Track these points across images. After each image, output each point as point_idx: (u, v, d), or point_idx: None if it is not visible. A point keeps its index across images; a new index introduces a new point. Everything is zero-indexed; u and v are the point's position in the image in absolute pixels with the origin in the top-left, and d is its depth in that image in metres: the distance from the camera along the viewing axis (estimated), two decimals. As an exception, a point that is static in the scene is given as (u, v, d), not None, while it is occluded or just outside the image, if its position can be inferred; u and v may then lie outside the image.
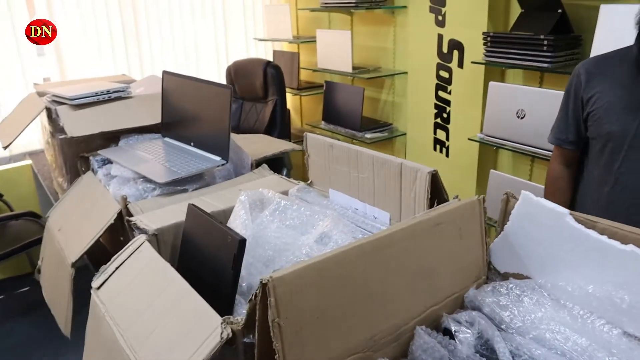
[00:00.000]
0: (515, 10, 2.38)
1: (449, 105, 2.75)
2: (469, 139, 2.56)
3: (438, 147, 2.89)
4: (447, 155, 2.85)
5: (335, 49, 3.25)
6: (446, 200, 1.09)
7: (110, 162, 1.73)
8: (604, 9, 1.92)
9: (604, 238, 0.84)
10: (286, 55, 3.73)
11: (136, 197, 1.49)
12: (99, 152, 1.77)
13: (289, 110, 3.55)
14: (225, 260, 0.98)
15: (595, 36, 1.95)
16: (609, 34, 1.89)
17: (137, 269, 1.05)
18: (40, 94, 2.08)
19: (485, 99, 2.44)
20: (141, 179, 1.55)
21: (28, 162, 3.01)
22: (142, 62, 3.48)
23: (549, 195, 1.63)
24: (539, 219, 0.93)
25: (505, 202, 0.99)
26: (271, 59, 3.63)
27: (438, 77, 2.77)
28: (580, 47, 2.18)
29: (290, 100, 3.94)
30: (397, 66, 3.25)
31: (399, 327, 0.83)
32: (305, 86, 3.71)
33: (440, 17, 2.67)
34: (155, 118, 1.88)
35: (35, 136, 3.09)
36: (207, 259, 1.06)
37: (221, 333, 0.76)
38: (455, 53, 2.63)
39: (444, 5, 2.63)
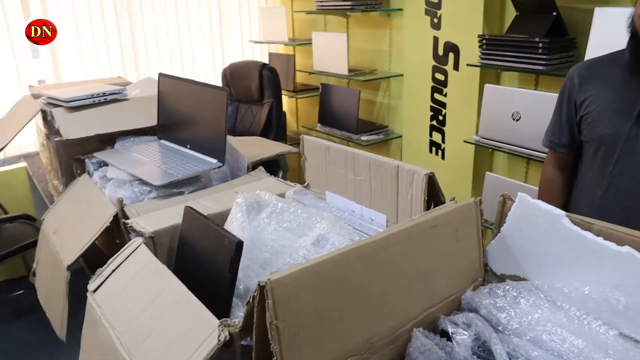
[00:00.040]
0: (511, 13, 2.39)
1: (445, 108, 2.76)
2: (465, 141, 2.57)
3: (434, 149, 2.90)
4: (442, 157, 2.85)
5: (331, 52, 3.26)
6: (443, 202, 1.10)
7: (106, 164, 1.72)
8: (599, 11, 1.93)
9: (600, 240, 0.85)
10: (282, 58, 3.73)
11: (132, 199, 1.49)
12: (94, 154, 1.77)
13: (284, 113, 3.55)
14: (222, 262, 0.98)
15: (589, 39, 1.96)
16: (604, 37, 1.90)
17: (133, 271, 1.04)
18: (36, 96, 2.08)
19: (480, 102, 2.45)
20: (137, 182, 1.55)
21: (23, 164, 3.00)
22: (137, 65, 3.48)
23: (542, 198, 1.63)
24: (536, 220, 0.93)
25: (501, 204, 0.99)
26: (267, 62, 3.63)
27: (434, 79, 2.78)
28: (575, 50, 2.19)
29: (286, 102, 3.93)
30: (392, 69, 3.26)
31: (396, 329, 0.83)
32: (301, 88, 3.71)
33: (435, 20, 2.67)
34: (151, 120, 1.88)
35: (30, 139, 3.08)
36: (204, 262, 1.06)
37: (218, 336, 0.76)
38: (451, 55, 2.64)
39: (439, 8, 2.63)
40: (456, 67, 2.63)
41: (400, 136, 3.20)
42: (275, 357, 0.67)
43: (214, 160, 1.62)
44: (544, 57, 2.10)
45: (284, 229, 1.19)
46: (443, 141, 2.82)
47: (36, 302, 1.49)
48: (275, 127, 3.23)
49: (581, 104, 1.47)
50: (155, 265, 1.01)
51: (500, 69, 2.40)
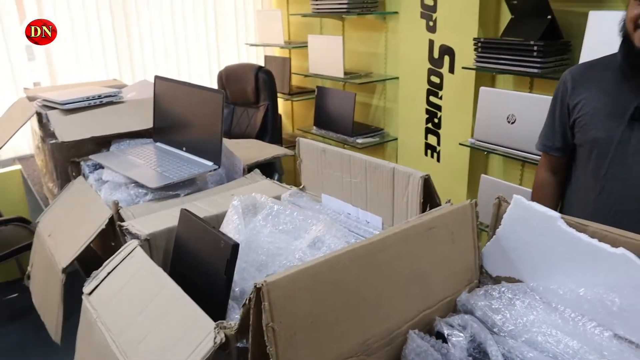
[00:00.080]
0: (506, 16, 2.40)
1: (440, 111, 2.76)
2: (460, 144, 2.57)
3: (429, 152, 2.91)
4: (438, 160, 2.86)
5: (326, 54, 3.26)
6: (438, 204, 1.10)
7: (101, 167, 1.72)
8: (593, 15, 1.94)
9: (595, 241, 0.85)
10: (278, 61, 3.74)
11: (128, 202, 1.49)
12: (90, 157, 1.76)
13: (280, 116, 3.55)
14: (218, 265, 0.98)
15: (584, 42, 1.97)
16: (598, 40, 1.91)
17: (129, 274, 1.04)
18: (31, 99, 2.07)
19: (476, 104, 2.46)
20: (133, 184, 1.54)
21: (17, 167, 2.99)
22: (133, 67, 3.47)
23: (535, 201, 1.64)
24: (531, 222, 0.94)
25: (497, 206, 1.00)
26: (263, 64, 3.63)
27: (429, 82, 2.78)
28: (569, 53, 2.20)
29: (282, 105, 3.94)
30: (388, 71, 3.27)
31: (392, 331, 0.83)
32: (297, 91, 3.71)
33: (431, 23, 2.68)
34: (147, 123, 1.87)
35: (24, 141, 3.07)
36: (199, 264, 1.06)
37: (214, 338, 0.76)
38: (446, 58, 2.65)
39: (435, 11, 2.64)
40: (451, 70, 2.63)
41: (396, 139, 3.20)
42: (271, 359, 0.67)
43: (210, 163, 1.62)
44: (539, 60, 2.11)
45: (280, 231, 1.19)
46: (438, 144, 2.83)
47: (31, 305, 1.49)
48: (270, 130, 3.23)
49: (574, 107, 1.47)
50: (151, 267, 1.01)
51: (495, 72, 2.41)
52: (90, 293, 1.06)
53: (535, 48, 2.11)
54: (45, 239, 1.49)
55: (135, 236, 1.19)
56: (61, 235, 1.46)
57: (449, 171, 2.78)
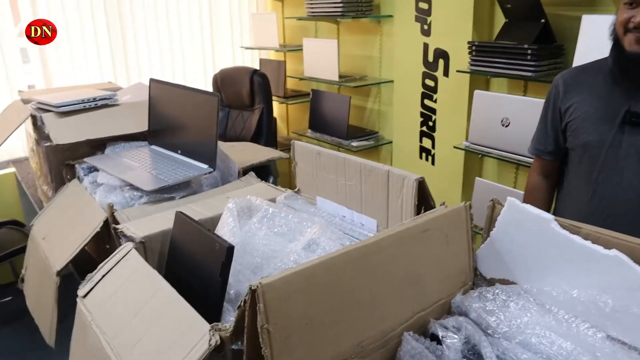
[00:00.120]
0: (500, 20, 2.41)
1: (435, 114, 2.77)
2: (455, 147, 2.58)
3: (424, 155, 2.91)
4: (432, 163, 2.87)
5: (321, 58, 3.27)
6: (433, 207, 1.10)
7: (96, 169, 1.72)
8: (586, 19, 1.95)
9: (588, 243, 0.86)
10: (273, 64, 3.74)
11: (123, 204, 1.49)
12: (85, 159, 1.76)
13: (275, 119, 3.55)
14: (213, 267, 0.98)
15: (577, 46, 1.99)
16: (591, 44, 1.92)
17: (124, 276, 1.04)
18: (25, 101, 2.06)
19: (470, 108, 2.47)
20: (128, 187, 1.54)
21: (12, 170, 2.98)
22: (128, 70, 3.47)
23: None
24: (525, 224, 0.94)
25: (491, 209, 1.00)
26: (258, 67, 3.63)
27: (424, 85, 2.79)
28: (563, 57, 2.21)
29: (277, 108, 3.94)
30: (383, 75, 3.28)
31: (387, 333, 0.83)
32: (292, 94, 3.72)
33: (425, 27, 2.69)
34: (142, 126, 1.87)
35: (19, 144, 3.06)
36: (194, 267, 1.06)
37: (209, 340, 0.76)
38: (441, 62, 2.66)
39: (429, 15, 2.66)
40: (446, 73, 2.65)
41: (391, 142, 3.21)
42: (266, 361, 0.67)
43: (205, 166, 1.62)
44: (533, 63, 2.12)
45: (275, 233, 1.19)
46: (433, 147, 2.84)
47: (24, 308, 1.48)
48: (265, 133, 3.23)
49: (566, 111, 1.48)
50: (146, 270, 1.01)
51: (489, 75, 2.42)
52: (85, 296, 1.06)
53: (529, 52, 2.12)
54: (39, 242, 1.49)
55: (130, 239, 1.19)
56: (56, 238, 1.46)
57: (443, 174, 2.79)
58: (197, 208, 1.37)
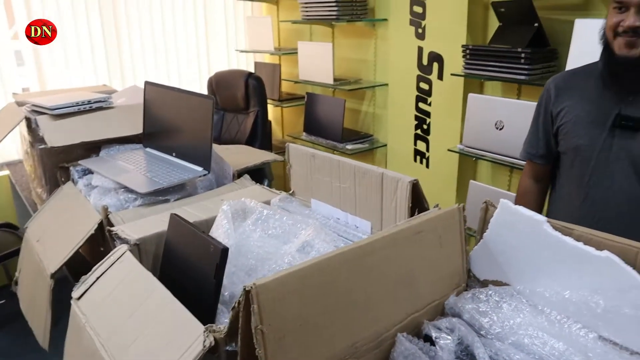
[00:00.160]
0: (494, 24, 2.43)
1: (429, 117, 2.78)
2: (449, 150, 2.59)
3: (418, 158, 2.92)
4: (427, 166, 2.88)
5: (316, 61, 3.28)
6: (427, 209, 1.11)
7: (90, 172, 1.72)
8: (579, 23, 1.97)
9: (580, 245, 0.86)
10: (268, 67, 3.75)
11: (117, 207, 1.49)
12: (79, 162, 1.76)
13: (270, 122, 3.56)
14: (207, 269, 0.98)
15: (570, 49, 2.00)
16: (584, 48, 1.93)
17: (118, 278, 1.04)
18: (20, 104, 2.06)
19: (464, 111, 2.48)
20: (122, 189, 1.54)
21: (6, 172, 2.97)
22: (123, 73, 3.47)
23: None
24: (517, 226, 0.95)
25: (484, 211, 1.01)
26: (253, 71, 3.64)
27: (418, 89, 2.81)
28: (556, 60, 2.23)
29: (272, 111, 3.95)
30: (377, 78, 3.29)
31: (381, 334, 0.83)
32: (287, 97, 3.72)
33: (420, 30, 2.71)
34: (137, 128, 1.87)
35: (13, 146, 3.05)
36: (189, 269, 1.06)
37: (204, 341, 0.76)
38: (435, 65, 2.67)
39: (424, 19, 2.67)
40: (440, 76, 2.66)
41: (385, 145, 3.22)
42: (260, 362, 0.68)
43: (200, 168, 1.62)
44: (526, 67, 2.14)
45: (270, 235, 1.20)
46: (427, 150, 2.85)
47: (18, 311, 1.48)
48: (260, 136, 3.23)
49: (557, 115, 1.49)
50: (141, 272, 1.01)
51: (483, 79, 2.43)
52: (79, 298, 1.05)
53: (522, 55, 2.14)
54: (33, 245, 1.48)
55: (124, 241, 1.19)
56: (50, 240, 1.46)
57: (438, 177, 2.80)
58: (191, 210, 1.37)
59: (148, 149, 1.85)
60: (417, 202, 1.12)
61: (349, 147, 3.14)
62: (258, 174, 1.89)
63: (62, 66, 3.20)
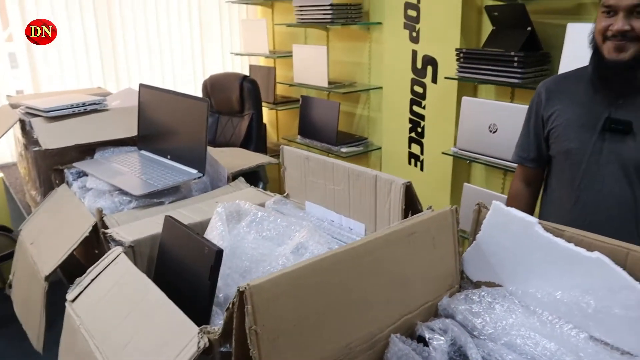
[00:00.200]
0: (487, 28, 2.44)
1: (423, 120, 2.80)
2: (443, 153, 2.60)
3: (413, 161, 2.93)
4: (421, 169, 2.89)
5: (311, 64, 3.29)
6: (420, 211, 1.12)
7: (85, 174, 1.71)
8: (571, 27, 1.99)
9: (571, 246, 0.87)
10: (262, 70, 3.75)
11: (112, 209, 1.49)
12: (74, 164, 1.75)
13: (265, 125, 3.56)
14: (202, 271, 0.98)
15: (562, 53, 2.02)
16: (576, 51, 1.94)
17: (113, 280, 1.04)
18: (14, 106, 2.06)
19: (458, 114, 2.49)
20: (117, 192, 1.54)
21: (-1, 175, 2.96)
22: (118, 75, 3.47)
23: None
24: (510, 228, 0.96)
25: (477, 212, 1.02)
26: (247, 74, 3.64)
27: (412, 92, 2.82)
28: (549, 64, 2.24)
29: (267, 114, 3.95)
30: (372, 81, 3.30)
31: (374, 334, 0.84)
32: (282, 100, 3.72)
33: (414, 34, 2.72)
34: (132, 131, 1.87)
35: (7, 149, 3.04)
36: (183, 270, 1.06)
37: (198, 342, 0.77)
38: (429, 69, 2.68)
39: (418, 22, 2.68)
40: (434, 80, 2.67)
41: (380, 148, 3.23)
42: (254, 362, 0.68)
43: (194, 171, 1.63)
44: (519, 70, 2.15)
45: (264, 237, 1.20)
46: (422, 153, 2.86)
47: (11, 314, 1.47)
48: (255, 139, 3.24)
49: (548, 118, 1.50)
50: (135, 274, 1.01)
51: (477, 82, 2.45)
52: (74, 300, 1.05)
53: (515, 59, 2.15)
54: (27, 247, 1.48)
55: (119, 243, 1.19)
56: (44, 243, 1.46)
57: (432, 180, 2.81)
58: (186, 213, 1.37)
59: (143, 152, 1.85)
60: (411, 204, 1.13)
61: (344, 150, 3.15)
62: (253, 177, 1.89)
63: (57, 68, 3.20)
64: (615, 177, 1.37)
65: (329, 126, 3.18)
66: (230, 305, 0.70)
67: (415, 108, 2.82)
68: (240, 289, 0.67)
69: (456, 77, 2.44)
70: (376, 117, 3.32)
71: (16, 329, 1.42)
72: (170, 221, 1.14)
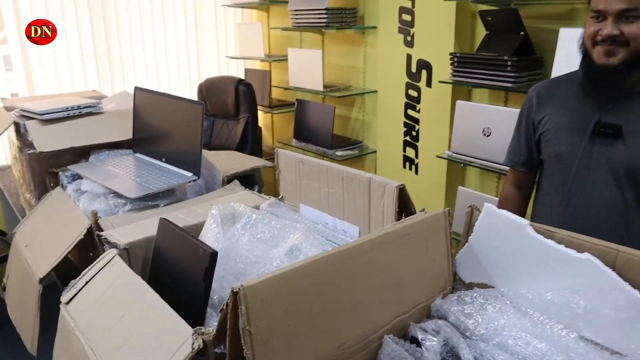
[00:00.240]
0: (481, 32, 2.46)
1: (418, 124, 2.81)
2: (438, 157, 2.62)
3: (407, 164, 2.94)
4: (416, 172, 2.90)
5: (306, 68, 3.30)
6: (414, 213, 1.12)
7: (80, 177, 1.72)
8: (564, 32, 2.00)
9: (562, 247, 0.88)
10: (258, 73, 3.76)
11: (107, 212, 1.49)
12: (68, 167, 1.76)
13: (260, 128, 3.57)
14: (196, 273, 0.99)
15: (555, 57, 2.03)
16: (568, 56, 1.95)
17: (107, 282, 1.04)
18: (8, 109, 2.06)
19: (452, 118, 2.51)
20: (112, 194, 1.54)
21: (-7, 178, 2.95)
22: (113, 78, 3.47)
23: None
24: (501, 230, 0.97)
25: (469, 215, 1.03)
26: (243, 77, 3.65)
27: (407, 96, 2.83)
28: (542, 68, 2.26)
29: (262, 118, 3.95)
30: (367, 85, 3.31)
31: (368, 335, 0.85)
32: (277, 104, 3.74)
33: (409, 38, 2.74)
34: (127, 134, 1.88)
35: (1, 151, 3.04)
36: (178, 272, 1.07)
37: (192, 344, 0.77)
38: (424, 73, 2.70)
39: (412, 27, 2.70)
40: (429, 84, 2.69)
41: (375, 151, 3.24)
42: (248, 363, 0.68)
43: (189, 174, 1.63)
44: (513, 74, 2.17)
45: (258, 240, 1.20)
46: (417, 156, 2.87)
47: (6, 317, 1.47)
48: (250, 142, 3.24)
49: (539, 122, 1.51)
50: (130, 276, 1.02)
51: (471, 86, 2.46)
52: (68, 302, 1.06)
53: (509, 63, 2.17)
54: (22, 250, 1.48)
55: (114, 245, 1.19)
56: (38, 246, 1.46)
57: (427, 183, 2.82)
58: (181, 215, 1.37)
59: (138, 155, 1.85)
60: (405, 206, 1.14)
61: (339, 153, 3.16)
62: (248, 180, 1.89)
63: (52, 71, 3.20)
64: (605, 181, 1.38)
65: (324, 130, 3.19)
66: (224, 306, 0.71)
67: (410, 112, 2.84)
68: (234, 290, 0.67)
69: (450, 81, 2.46)
70: (371, 121, 3.33)
71: (10, 332, 1.41)
72: (165, 223, 1.14)
